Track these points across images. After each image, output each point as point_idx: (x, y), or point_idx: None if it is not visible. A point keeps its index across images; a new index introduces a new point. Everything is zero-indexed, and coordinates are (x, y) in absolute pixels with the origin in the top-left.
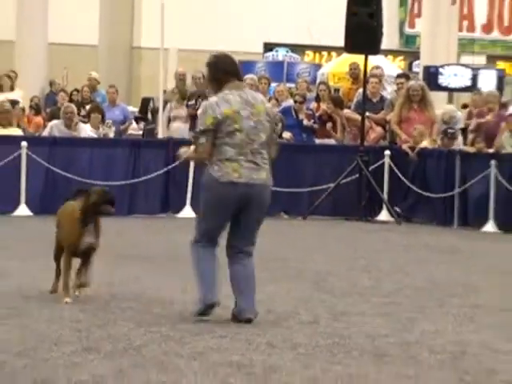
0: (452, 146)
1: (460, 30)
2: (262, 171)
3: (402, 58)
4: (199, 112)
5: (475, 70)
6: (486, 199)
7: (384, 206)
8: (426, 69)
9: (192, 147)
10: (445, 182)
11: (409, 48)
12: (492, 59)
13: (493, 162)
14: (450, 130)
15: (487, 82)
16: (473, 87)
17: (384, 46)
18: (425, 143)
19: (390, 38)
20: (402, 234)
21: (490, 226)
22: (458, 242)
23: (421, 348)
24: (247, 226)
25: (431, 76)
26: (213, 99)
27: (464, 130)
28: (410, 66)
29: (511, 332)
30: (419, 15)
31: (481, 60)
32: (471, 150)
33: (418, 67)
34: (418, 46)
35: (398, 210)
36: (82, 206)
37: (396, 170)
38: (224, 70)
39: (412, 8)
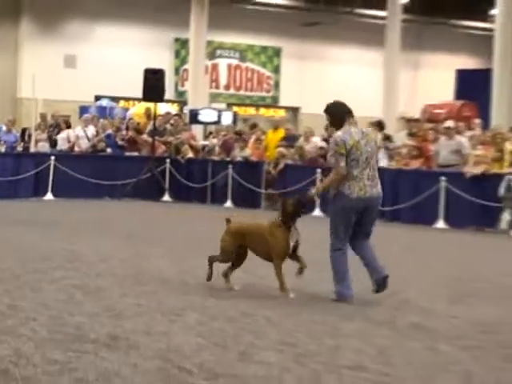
0: (209, 156)
1: (210, 87)
2: (377, 186)
3: (176, 104)
4: (331, 144)
5: (220, 112)
6: (226, 187)
7: (166, 192)
8: (191, 111)
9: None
10: (202, 177)
11: (180, 98)
12: (230, 105)
13: (230, 166)
14: (206, 148)
15: (227, 119)
16: (218, 122)
17: (166, 97)
18: (190, 155)
19: (169, 92)
20: (176, 208)
21: (228, 203)
22: (211, 213)
23: (190, 277)
24: (368, 224)
25: (194, 115)
26: (340, 134)
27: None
28: (181, 109)
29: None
30: (186, 79)
31: (223, 106)
32: (217, 158)
33: (186, 110)
34: (186, 98)
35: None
36: (283, 215)
37: (173, 171)
38: (344, 112)
39: (182, 75)
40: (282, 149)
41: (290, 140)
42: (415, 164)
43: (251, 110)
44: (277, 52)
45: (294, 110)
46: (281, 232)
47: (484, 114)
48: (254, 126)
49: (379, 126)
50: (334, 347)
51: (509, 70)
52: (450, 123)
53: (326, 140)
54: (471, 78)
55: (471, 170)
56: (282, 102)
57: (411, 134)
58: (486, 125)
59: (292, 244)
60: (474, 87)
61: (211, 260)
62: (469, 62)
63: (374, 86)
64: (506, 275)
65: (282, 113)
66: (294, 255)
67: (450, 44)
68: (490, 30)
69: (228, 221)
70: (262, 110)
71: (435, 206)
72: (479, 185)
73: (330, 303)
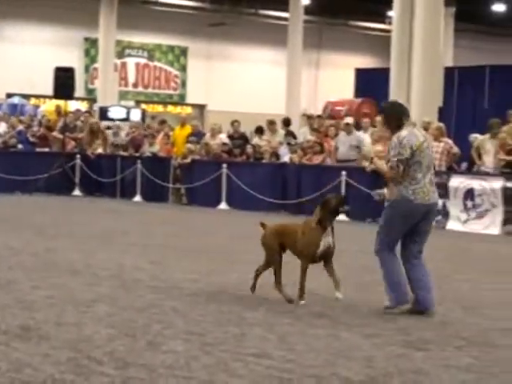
0: (118, 151)
1: (119, 85)
2: (436, 191)
3: (86, 102)
4: (394, 144)
5: (129, 109)
6: (135, 182)
7: (76, 187)
8: (101, 108)
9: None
10: (111, 172)
11: (90, 96)
12: (138, 103)
13: (139, 161)
14: (117, 143)
15: (135, 116)
16: (127, 119)
17: (76, 95)
18: (100, 150)
19: (79, 90)
20: (86, 203)
21: (137, 198)
22: (120, 206)
23: (100, 269)
24: (425, 233)
25: (104, 112)
26: (405, 134)
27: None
28: (91, 107)
29: (149, 255)
30: (96, 77)
31: (132, 103)
32: (126, 153)
33: (96, 107)
34: (96, 95)
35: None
36: (323, 213)
37: (84, 167)
38: (403, 112)
39: (92, 73)
40: (190, 145)
41: (196, 136)
42: (317, 159)
43: (159, 108)
44: (183, 51)
45: (200, 108)
46: (313, 232)
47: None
48: (162, 123)
49: (285, 122)
50: (240, 335)
51: (405, 69)
52: (349, 119)
53: (231, 137)
54: (370, 77)
55: (371, 164)
56: (189, 100)
57: (313, 130)
58: None
59: (324, 247)
60: (372, 85)
61: (258, 272)
62: (367, 62)
63: (277, 84)
64: None
65: (188, 110)
66: (326, 263)
67: (349, 44)
68: (388, 30)
69: (263, 225)
70: (170, 108)
71: None
72: (378, 179)
73: (236, 293)
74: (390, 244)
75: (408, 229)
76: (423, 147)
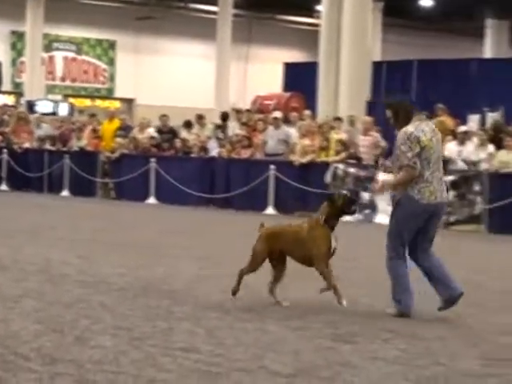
0: (44, 145)
1: (47, 79)
2: (445, 189)
3: (13, 95)
4: (402, 140)
5: (56, 103)
6: (62, 177)
7: (3, 182)
8: (28, 102)
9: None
10: (39, 167)
11: (17, 90)
12: (66, 97)
13: (66, 155)
14: (42, 137)
15: (63, 110)
16: (55, 113)
17: (3, 88)
18: (27, 144)
19: (6, 84)
20: (13, 197)
21: (65, 192)
22: (47, 201)
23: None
24: (432, 230)
25: (31, 106)
26: (411, 130)
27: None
28: (18, 100)
29: (76, 250)
30: (23, 71)
31: (59, 97)
32: (53, 148)
33: (23, 101)
34: (23, 89)
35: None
36: (329, 212)
37: (11, 161)
38: (411, 108)
39: (19, 67)
40: (118, 139)
41: (125, 130)
42: (246, 153)
43: (87, 102)
44: (112, 45)
45: (128, 102)
46: (321, 231)
47: (311, 104)
48: (92, 117)
49: (223, 117)
50: (168, 330)
51: (333, 63)
52: (277, 114)
53: (159, 131)
54: (298, 71)
55: (299, 158)
56: (118, 94)
57: (242, 124)
58: (312, 115)
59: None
60: (301, 79)
61: (241, 274)
62: (296, 56)
63: (206, 78)
64: (339, 259)
65: (117, 104)
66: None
67: (278, 38)
68: (316, 25)
69: (262, 226)
70: (98, 102)
71: (265, 194)
72: (307, 173)
73: (164, 288)
74: (400, 248)
75: (418, 228)
76: (432, 143)
